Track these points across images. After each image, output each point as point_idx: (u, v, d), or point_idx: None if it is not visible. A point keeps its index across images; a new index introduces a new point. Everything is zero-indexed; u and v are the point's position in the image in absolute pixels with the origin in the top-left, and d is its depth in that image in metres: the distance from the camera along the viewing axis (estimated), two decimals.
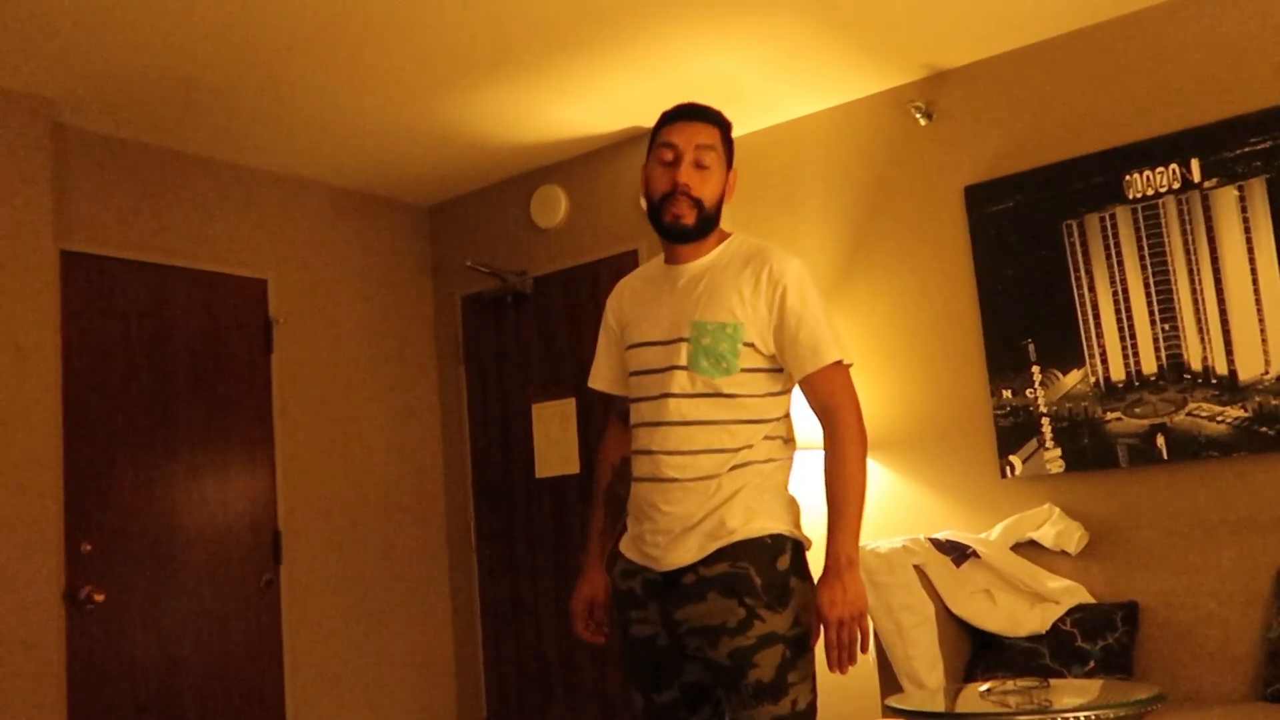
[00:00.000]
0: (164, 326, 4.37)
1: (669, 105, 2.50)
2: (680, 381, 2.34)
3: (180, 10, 3.37)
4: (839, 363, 2.35)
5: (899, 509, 4.22)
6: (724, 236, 2.48)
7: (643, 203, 2.52)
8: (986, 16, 3.84)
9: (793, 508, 2.40)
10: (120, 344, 4.23)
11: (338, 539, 4.82)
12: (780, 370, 2.39)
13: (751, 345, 2.34)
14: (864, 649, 2.23)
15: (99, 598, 3.92)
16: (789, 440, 2.44)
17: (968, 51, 4.12)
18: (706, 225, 2.42)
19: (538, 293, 5.09)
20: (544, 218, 5.03)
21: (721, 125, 2.47)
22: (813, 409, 2.38)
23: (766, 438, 2.36)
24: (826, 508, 2.31)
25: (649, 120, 4.67)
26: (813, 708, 2.33)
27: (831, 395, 2.34)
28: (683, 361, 2.34)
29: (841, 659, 2.21)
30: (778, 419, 2.40)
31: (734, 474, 2.31)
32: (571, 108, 4.37)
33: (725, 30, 3.74)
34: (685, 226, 2.40)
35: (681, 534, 2.31)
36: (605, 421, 2.73)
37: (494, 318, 5.24)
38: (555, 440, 4.96)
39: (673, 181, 2.38)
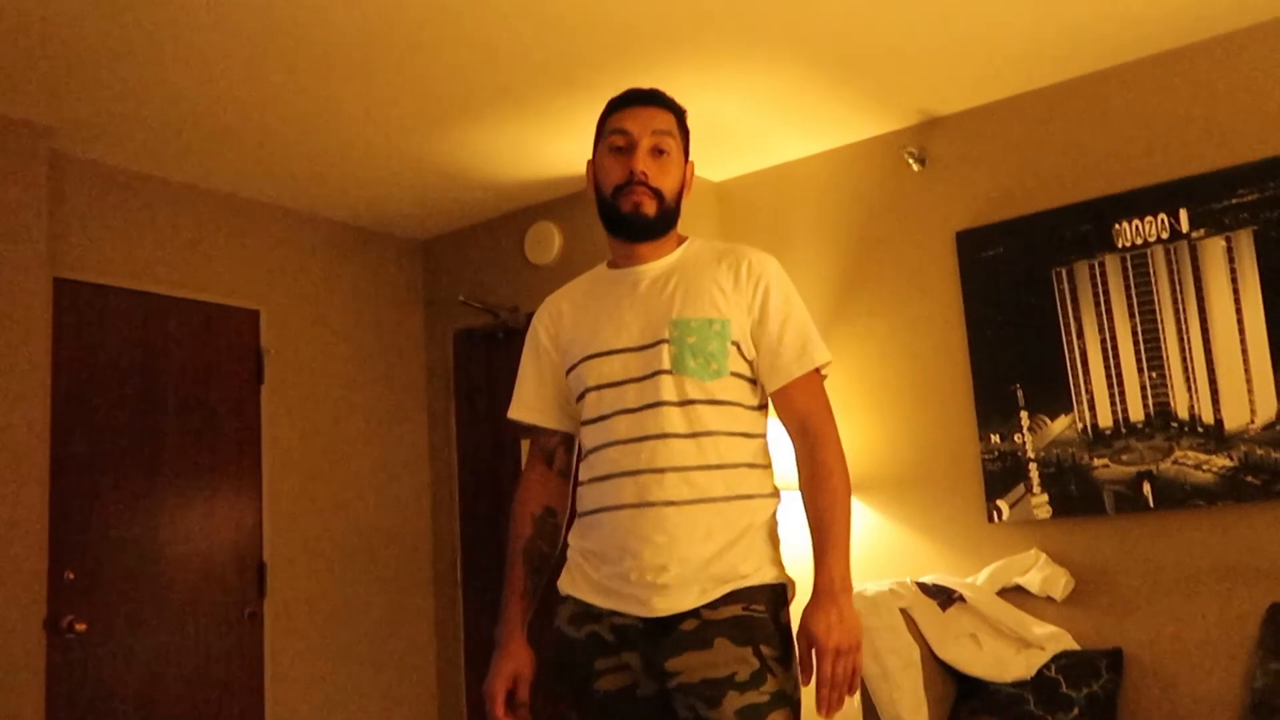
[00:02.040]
0: (155, 355, 4.37)
1: None
2: (667, 388, 2.04)
3: (177, 40, 3.40)
4: (818, 370, 2.13)
5: (886, 551, 4.22)
6: (682, 239, 2.22)
7: (590, 194, 2.23)
8: (979, 64, 3.88)
9: (779, 547, 2.13)
10: (111, 372, 4.22)
11: (323, 572, 4.80)
12: (756, 382, 2.14)
13: (737, 346, 2.08)
14: (854, 689, 1.96)
15: (80, 627, 3.89)
16: (769, 468, 2.16)
17: (961, 98, 4.16)
18: (668, 219, 2.16)
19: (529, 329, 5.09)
20: (538, 254, 5.05)
21: (676, 111, 2.20)
22: (786, 422, 2.13)
23: (754, 464, 2.09)
24: (810, 529, 2.06)
25: None
26: None
27: (813, 403, 2.10)
28: (666, 365, 2.05)
29: (832, 699, 1.92)
30: (761, 437, 2.14)
31: (739, 504, 2.04)
32: (567, 145, 4.40)
33: (720, 72, 3.78)
34: (645, 217, 2.11)
35: (681, 574, 1.98)
36: (525, 463, 2.39)
37: (485, 352, 5.25)
38: None
39: (628, 170, 2.10)
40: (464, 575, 5.18)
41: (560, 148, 4.43)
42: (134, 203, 4.36)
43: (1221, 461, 3.60)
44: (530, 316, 4.98)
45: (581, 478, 2.17)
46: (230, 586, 4.46)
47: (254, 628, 4.51)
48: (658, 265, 2.17)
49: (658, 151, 2.13)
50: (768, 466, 2.14)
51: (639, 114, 2.15)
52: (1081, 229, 3.91)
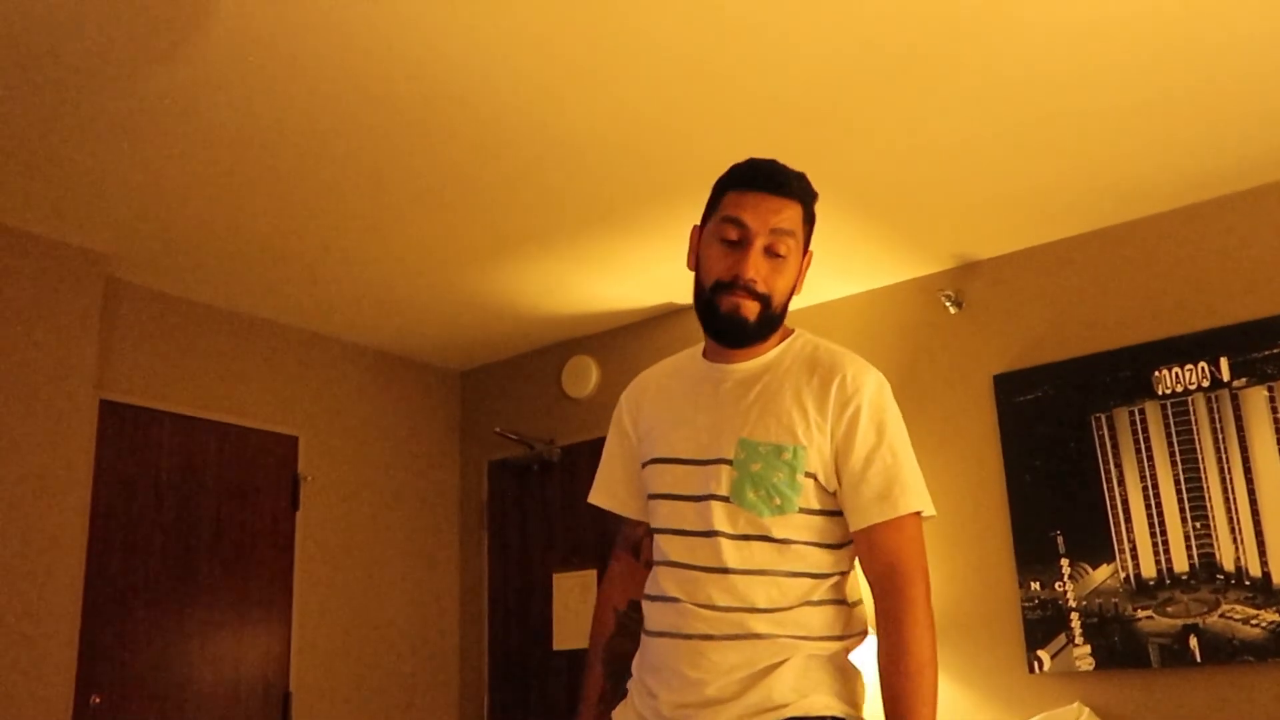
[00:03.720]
0: (193, 478, 4.40)
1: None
2: (720, 518, 1.78)
3: (229, 175, 3.51)
4: (916, 514, 1.80)
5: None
6: (787, 333, 1.92)
7: (689, 264, 1.94)
8: (1017, 211, 3.93)
9: (852, 682, 1.82)
10: (149, 494, 4.25)
11: (348, 703, 4.72)
12: (841, 514, 1.84)
13: (814, 477, 1.79)
14: None
15: None
16: (853, 605, 1.85)
17: (998, 244, 4.20)
18: (769, 325, 1.86)
19: (565, 462, 5.10)
20: (575, 388, 5.08)
21: (805, 201, 1.88)
22: (868, 570, 1.81)
23: (818, 603, 1.79)
24: (885, 707, 1.73)
25: (682, 297, 4.80)
26: None
27: (899, 553, 1.77)
28: (723, 491, 1.79)
29: None
30: (837, 577, 1.83)
31: (790, 642, 1.76)
32: (605, 282, 4.47)
33: None
34: (744, 322, 1.83)
35: (710, 706, 1.74)
36: (610, 555, 2.15)
37: (519, 484, 5.24)
38: (574, 612, 4.89)
39: (735, 271, 1.81)
40: (490, 709, 5.08)
41: (598, 284, 4.49)
42: (181, 327, 4.45)
43: (1271, 616, 3.50)
44: (565, 449, 5.06)
45: (646, 587, 1.93)
46: (255, 716, 4.39)
47: None
48: (747, 366, 1.88)
49: (773, 253, 1.83)
50: (842, 604, 1.83)
51: (761, 204, 1.83)
52: (1121, 375, 3.90)
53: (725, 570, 1.77)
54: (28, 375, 3.76)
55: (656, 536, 1.89)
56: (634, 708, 1.87)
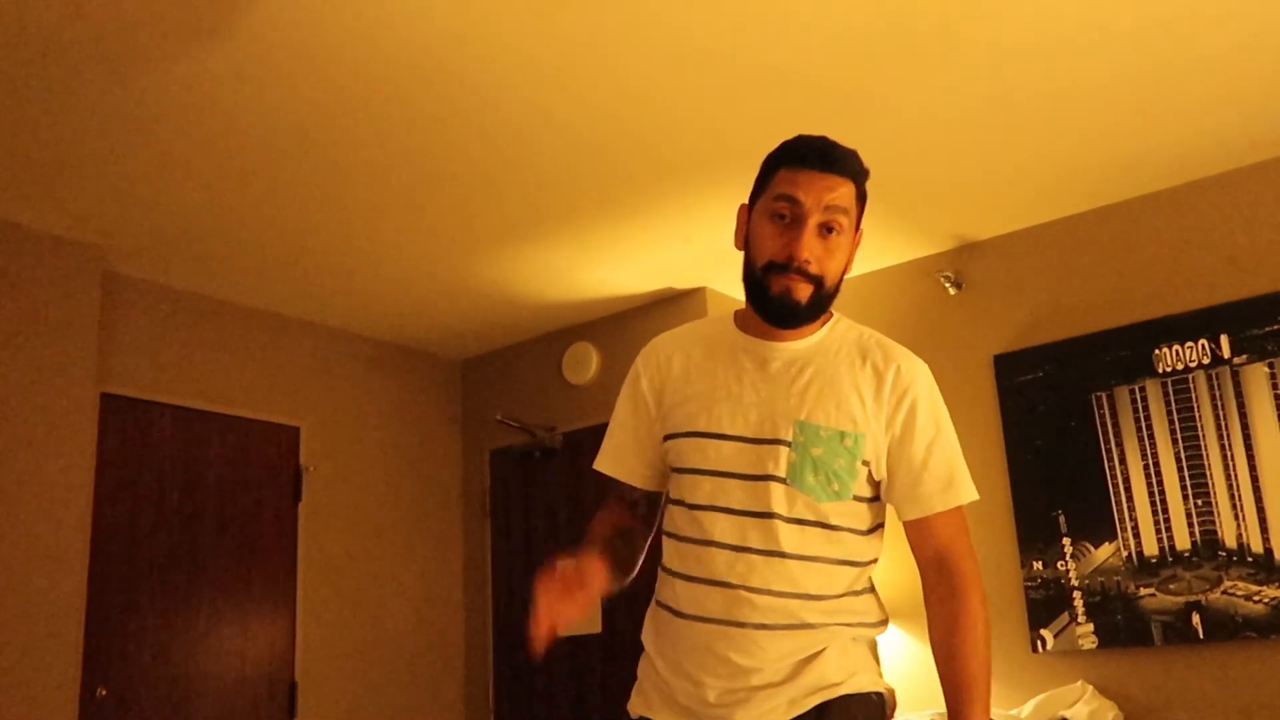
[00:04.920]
0: (196, 471, 4.41)
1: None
2: (779, 499, 1.75)
3: (226, 166, 3.51)
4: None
5: (926, 681, 4.09)
6: (829, 316, 1.88)
7: (737, 244, 1.88)
8: (1015, 191, 3.92)
9: (880, 664, 1.89)
10: (152, 487, 4.26)
11: (353, 692, 4.74)
12: (879, 501, 1.86)
13: (868, 465, 1.79)
14: None
15: None
16: (873, 593, 1.89)
17: (997, 224, 4.19)
18: (821, 307, 1.81)
19: (566, 448, 5.10)
20: (575, 374, 5.08)
21: (858, 179, 1.82)
22: (920, 554, 1.86)
23: (859, 591, 1.83)
24: (945, 681, 1.79)
25: (681, 282, 4.80)
26: None
27: (954, 541, 1.83)
28: (781, 472, 1.75)
29: None
30: (870, 564, 1.86)
31: (835, 629, 1.78)
32: (605, 268, 4.46)
33: None
34: (796, 304, 1.77)
35: (763, 689, 1.74)
36: (604, 504, 2.04)
37: (522, 472, 5.24)
38: None
39: (789, 251, 1.75)
40: (496, 697, 5.09)
41: (598, 270, 4.49)
42: (181, 320, 4.45)
43: (1273, 592, 3.51)
44: (566, 436, 5.06)
45: (667, 562, 1.87)
46: (261, 707, 4.41)
47: None
48: (795, 346, 1.83)
49: (827, 229, 1.77)
50: (871, 591, 1.88)
51: (815, 182, 1.76)
52: (1121, 354, 3.89)
53: (782, 554, 1.74)
54: (28, 370, 3.76)
55: (691, 513, 1.82)
56: (664, 693, 1.82)
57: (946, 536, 1.83)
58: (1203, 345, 3.75)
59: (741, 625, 1.73)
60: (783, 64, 3.05)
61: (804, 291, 1.76)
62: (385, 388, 5.20)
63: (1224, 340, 3.71)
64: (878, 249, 4.36)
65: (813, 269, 1.76)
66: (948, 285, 4.30)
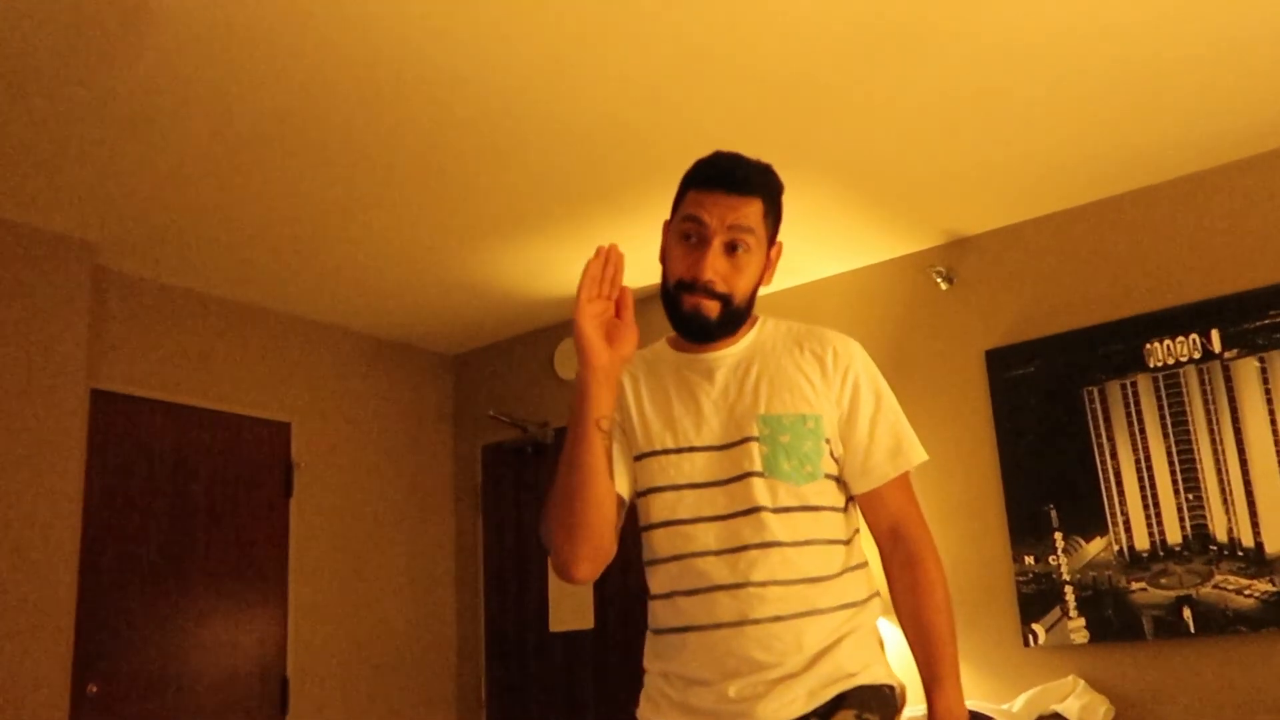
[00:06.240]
0: (186, 466, 4.40)
1: None
2: (761, 492, 1.80)
3: (215, 160, 3.49)
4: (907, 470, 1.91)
5: (917, 675, 4.11)
6: (755, 320, 1.97)
7: (659, 261, 1.94)
8: (1006, 186, 3.92)
9: (885, 651, 1.95)
10: (143, 483, 4.24)
11: (345, 687, 4.73)
12: (842, 481, 1.91)
13: (829, 443, 1.86)
14: None
15: None
16: (865, 568, 1.94)
17: (988, 219, 4.20)
18: (734, 321, 1.88)
19: (558, 444, 5.08)
20: (567, 369, 5.08)
21: (766, 194, 1.90)
22: (874, 526, 1.92)
23: (852, 568, 1.88)
24: (915, 649, 1.87)
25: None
26: None
27: (905, 510, 1.89)
28: (757, 466, 1.81)
29: None
30: (852, 541, 1.91)
31: (845, 612, 1.83)
32: None
33: None
34: (706, 321, 1.85)
35: (781, 682, 1.77)
36: None
37: (514, 467, 5.24)
38: (569, 594, 4.90)
39: (694, 270, 1.83)
40: (488, 692, 5.09)
41: None
42: (171, 316, 4.44)
43: (1264, 586, 3.52)
44: (558, 431, 5.04)
45: (655, 590, 1.90)
46: (253, 702, 4.40)
47: None
48: (733, 351, 1.91)
49: (732, 248, 1.84)
50: (863, 567, 1.92)
51: (719, 202, 1.84)
52: (1112, 348, 3.90)
53: (778, 544, 1.79)
54: (18, 366, 3.74)
55: (678, 529, 1.84)
56: (675, 700, 1.83)
57: (897, 506, 1.90)
58: (1194, 340, 3.76)
59: (757, 622, 1.77)
60: (776, 60, 3.05)
61: (712, 309, 1.84)
62: (377, 383, 5.19)
63: (1215, 335, 3.72)
64: (869, 244, 4.36)
65: (719, 288, 1.84)
66: (939, 280, 4.30)
